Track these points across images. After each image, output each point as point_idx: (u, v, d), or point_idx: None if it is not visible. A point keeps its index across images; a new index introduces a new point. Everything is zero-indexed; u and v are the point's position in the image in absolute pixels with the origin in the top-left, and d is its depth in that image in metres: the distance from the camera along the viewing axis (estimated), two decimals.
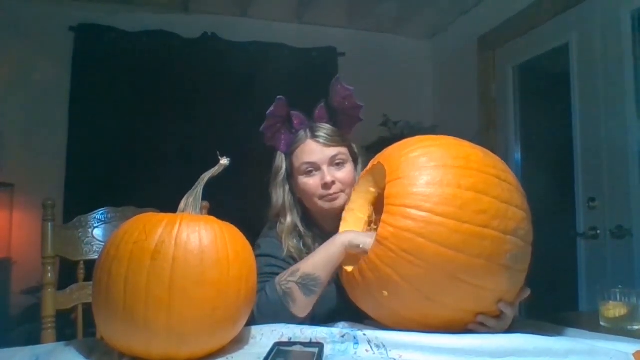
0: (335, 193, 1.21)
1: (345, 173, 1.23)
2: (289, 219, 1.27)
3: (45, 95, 3.00)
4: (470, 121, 3.04)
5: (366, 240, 1.00)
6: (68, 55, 3.03)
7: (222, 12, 3.29)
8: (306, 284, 1.05)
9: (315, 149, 1.22)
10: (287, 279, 1.07)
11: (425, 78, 3.67)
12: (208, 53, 3.22)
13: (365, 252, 0.97)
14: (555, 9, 2.45)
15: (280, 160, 1.30)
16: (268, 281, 1.09)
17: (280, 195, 1.29)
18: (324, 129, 1.25)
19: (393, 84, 3.45)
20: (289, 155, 1.28)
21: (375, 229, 0.99)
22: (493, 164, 0.97)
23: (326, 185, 1.20)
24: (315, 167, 1.23)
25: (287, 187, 1.30)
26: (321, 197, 1.23)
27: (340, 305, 1.14)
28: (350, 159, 1.27)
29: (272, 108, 1.24)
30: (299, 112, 1.28)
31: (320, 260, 1.07)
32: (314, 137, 1.23)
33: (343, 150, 1.25)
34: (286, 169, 1.29)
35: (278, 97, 1.24)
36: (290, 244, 1.23)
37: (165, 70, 3.16)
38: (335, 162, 1.23)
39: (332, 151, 1.23)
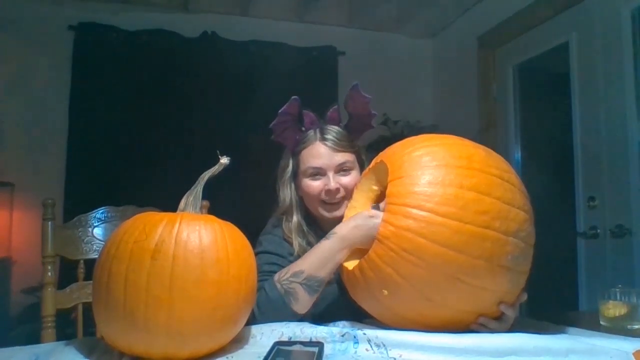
0: (337, 201, 1.21)
1: (350, 179, 1.22)
2: (294, 218, 1.26)
3: (45, 95, 3.00)
4: (470, 120, 3.04)
5: (365, 239, 1.00)
6: (68, 55, 3.03)
7: (222, 11, 3.29)
8: (311, 284, 1.04)
9: (323, 153, 1.22)
10: (289, 279, 1.06)
11: (425, 77, 3.67)
12: (208, 52, 3.22)
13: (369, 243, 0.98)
14: (555, 8, 2.45)
15: (287, 158, 1.30)
16: (267, 280, 1.09)
17: (287, 193, 1.29)
18: (334, 132, 1.24)
19: (393, 83, 3.45)
20: (297, 154, 1.27)
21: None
22: (496, 164, 0.96)
23: (330, 192, 1.20)
24: (321, 172, 1.22)
25: (292, 186, 1.29)
26: (322, 203, 1.22)
27: (341, 304, 1.14)
28: (357, 165, 1.26)
29: (285, 107, 1.23)
30: (312, 112, 1.27)
31: (325, 263, 1.05)
32: (323, 139, 1.22)
33: (350, 157, 1.24)
34: (292, 167, 1.29)
35: (293, 97, 1.23)
36: (297, 242, 1.23)
37: (165, 70, 3.16)
38: (342, 170, 1.23)
39: (340, 158, 1.22)
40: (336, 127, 1.26)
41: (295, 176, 1.29)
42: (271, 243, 1.24)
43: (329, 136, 1.23)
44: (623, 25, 2.08)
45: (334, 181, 1.20)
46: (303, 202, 1.29)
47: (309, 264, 1.06)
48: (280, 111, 1.23)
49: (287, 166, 1.29)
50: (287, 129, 1.26)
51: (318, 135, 1.24)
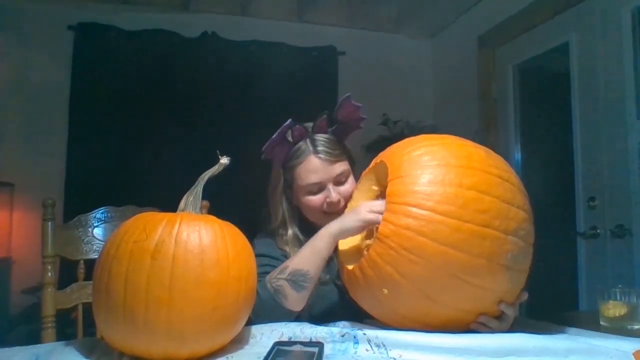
0: (339, 210, 1.21)
1: (348, 188, 1.23)
2: (290, 231, 1.27)
3: (45, 95, 3.00)
4: (470, 120, 3.04)
5: (353, 224, 1.04)
6: (68, 55, 3.03)
7: (222, 11, 3.29)
8: (296, 279, 1.05)
9: (319, 167, 1.21)
10: (276, 277, 1.07)
11: (425, 77, 3.66)
12: (208, 52, 3.22)
13: (365, 227, 1.04)
14: (555, 8, 2.45)
15: (278, 172, 1.28)
16: (260, 282, 1.09)
17: (279, 209, 1.28)
18: (324, 142, 1.22)
19: (393, 83, 3.45)
20: (289, 168, 1.25)
21: (377, 228, 0.99)
22: (495, 164, 0.97)
23: (331, 204, 1.20)
24: (320, 187, 1.22)
25: (284, 199, 1.29)
26: (324, 214, 1.22)
27: (340, 304, 1.14)
28: (351, 170, 1.27)
29: (278, 131, 1.20)
30: (299, 122, 1.24)
31: (308, 255, 1.08)
32: (316, 152, 1.21)
33: (345, 165, 1.24)
34: (285, 181, 1.27)
35: (288, 121, 1.21)
36: (294, 251, 1.23)
37: (165, 70, 3.16)
38: (339, 181, 1.23)
39: (337, 169, 1.22)
40: (325, 135, 1.24)
41: (289, 188, 1.28)
42: (264, 246, 1.24)
43: (320, 148, 1.21)
44: (623, 25, 2.08)
45: (334, 193, 1.21)
46: (296, 212, 1.29)
47: (294, 259, 1.09)
48: (273, 137, 1.21)
49: (279, 181, 1.28)
50: (276, 145, 1.24)
51: (310, 147, 1.22)
